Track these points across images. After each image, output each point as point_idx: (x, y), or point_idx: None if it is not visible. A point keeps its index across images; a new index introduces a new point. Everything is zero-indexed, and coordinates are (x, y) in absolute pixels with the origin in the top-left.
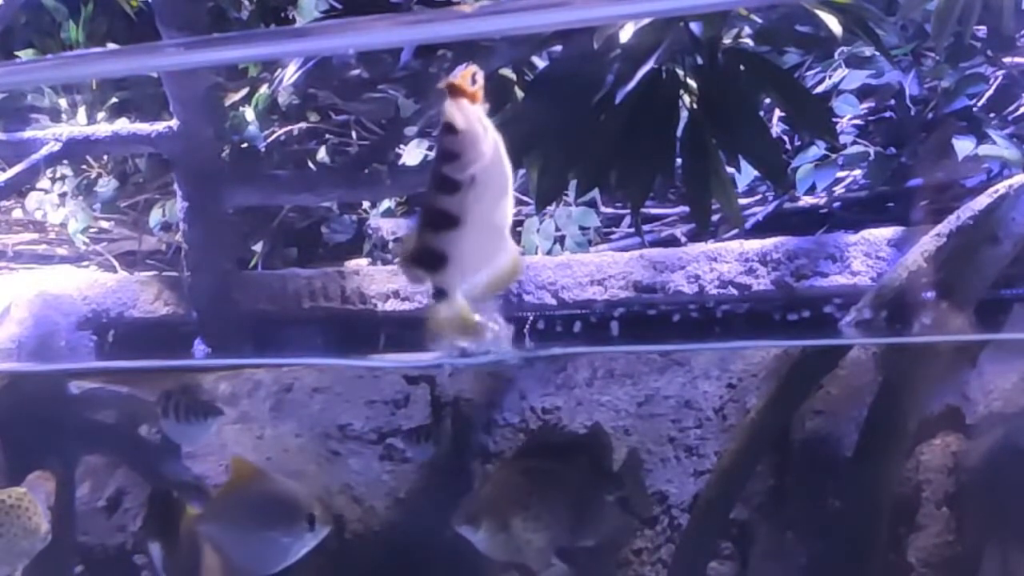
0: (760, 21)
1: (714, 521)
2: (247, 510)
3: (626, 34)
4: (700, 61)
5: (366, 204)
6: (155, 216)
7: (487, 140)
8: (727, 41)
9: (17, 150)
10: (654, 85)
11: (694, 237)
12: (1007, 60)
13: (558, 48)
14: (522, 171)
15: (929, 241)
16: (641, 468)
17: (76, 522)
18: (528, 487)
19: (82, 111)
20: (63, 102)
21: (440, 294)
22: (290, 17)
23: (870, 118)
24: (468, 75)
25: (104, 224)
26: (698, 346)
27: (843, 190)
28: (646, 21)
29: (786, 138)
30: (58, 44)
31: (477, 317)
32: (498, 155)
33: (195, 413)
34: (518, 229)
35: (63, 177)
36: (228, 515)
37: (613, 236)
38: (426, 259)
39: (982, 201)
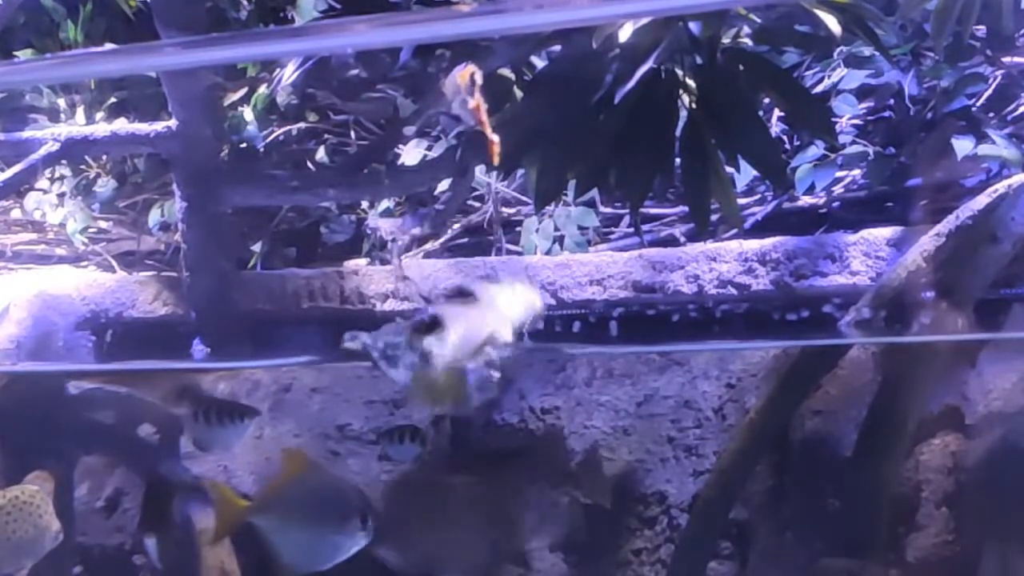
0: (759, 20)
1: (713, 521)
2: (301, 504)
3: (625, 34)
4: (699, 61)
5: (365, 204)
6: (154, 216)
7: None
8: (726, 41)
9: (16, 150)
10: (653, 85)
11: (693, 237)
12: (1006, 60)
13: (557, 48)
14: (521, 171)
15: (928, 241)
16: (600, 466)
17: (75, 522)
18: (432, 503)
19: (81, 111)
20: (62, 102)
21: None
22: (289, 17)
23: (869, 118)
24: (467, 75)
25: (103, 224)
26: (697, 346)
27: (842, 190)
28: (645, 21)
29: (785, 138)
30: (57, 44)
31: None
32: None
33: (230, 415)
34: (517, 229)
35: (62, 177)
36: (280, 508)
37: (612, 236)
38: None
39: (981, 201)
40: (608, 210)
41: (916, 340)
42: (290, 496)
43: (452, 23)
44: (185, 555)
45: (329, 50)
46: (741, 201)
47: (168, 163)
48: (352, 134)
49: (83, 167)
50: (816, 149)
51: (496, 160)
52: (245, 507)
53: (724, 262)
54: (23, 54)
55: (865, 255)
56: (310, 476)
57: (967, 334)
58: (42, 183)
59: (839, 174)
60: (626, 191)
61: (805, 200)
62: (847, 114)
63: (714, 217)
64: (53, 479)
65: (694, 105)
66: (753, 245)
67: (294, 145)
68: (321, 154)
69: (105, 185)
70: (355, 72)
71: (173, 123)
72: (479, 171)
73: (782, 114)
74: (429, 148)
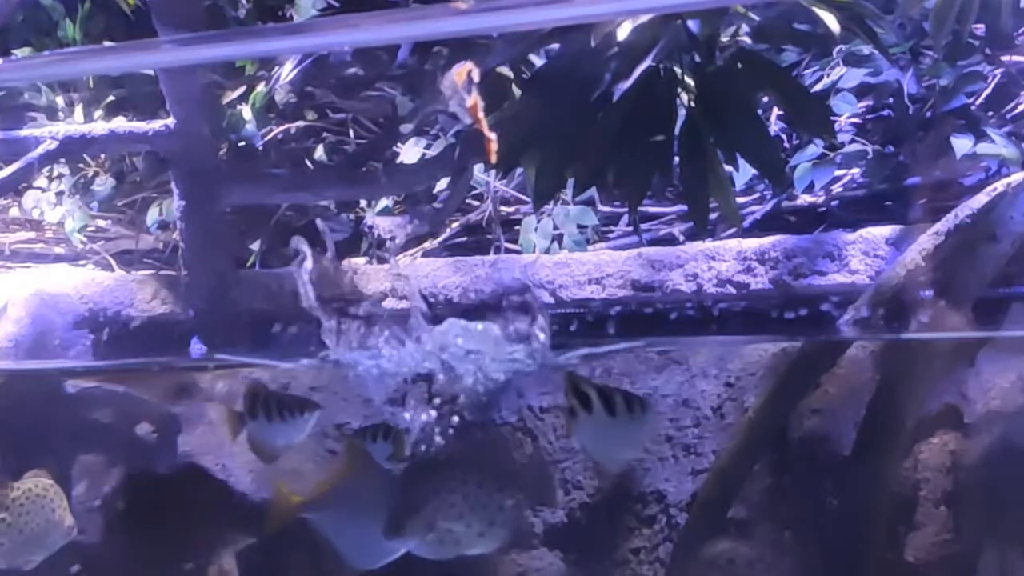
0: (758, 19)
1: (712, 520)
2: (356, 501)
3: (624, 32)
4: (698, 59)
5: (363, 203)
6: (152, 215)
7: None
8: (725, 39)
9: (13, 148)
10: (652, 83)
11: (692, 236)
12: (1005, 58)
13: (555, 46)
14: (520, 169)
15: (927, 239)
16: (548, 468)
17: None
18: None
19: (79, 109)
20: (60, 100)
21: None
22: (287, 16)
23: (868, 116)
24: (464, 73)
25: (101, 223)
26: (696, 339)
27: (841, 189)
28: (644, 19)
29: (784, 136)
30: (55, 42)
31: None
32: None
33: (289, 409)
34: (516, 227)
35: (60, 176)
36: (335, 504)
37: (611, 235)
38: None
39: (980, 199)
40: (607, 209)
41: (915, 339)
42: (346, 492)
43: (450, 21)
44: None
45: (327, 48)
46: (740, 200)
47: (166, 162)
48: (350, 132)
49: (81, 165)
50: (815, 148)
51: (493, 158)
52: (299, 502)
53: (723, 261)
54: (21, 52)
55: (864, 254)
56: (367, 473)
57: (966, 333)
58: (40, 181)
59: (838, 173)
60: (625, 190)
61: (804, 199)
62: (846, 112)
63: (713, 216)
64: (50, 478)
65: (693, 104)
66: (752, 244)
67: (292, 143)
68: (320, 152)
69: (103, 183)
70: (353, 70)
71: (171, 121)
72: (478, 170)
73: (781, 113)
74: (428, 146)
